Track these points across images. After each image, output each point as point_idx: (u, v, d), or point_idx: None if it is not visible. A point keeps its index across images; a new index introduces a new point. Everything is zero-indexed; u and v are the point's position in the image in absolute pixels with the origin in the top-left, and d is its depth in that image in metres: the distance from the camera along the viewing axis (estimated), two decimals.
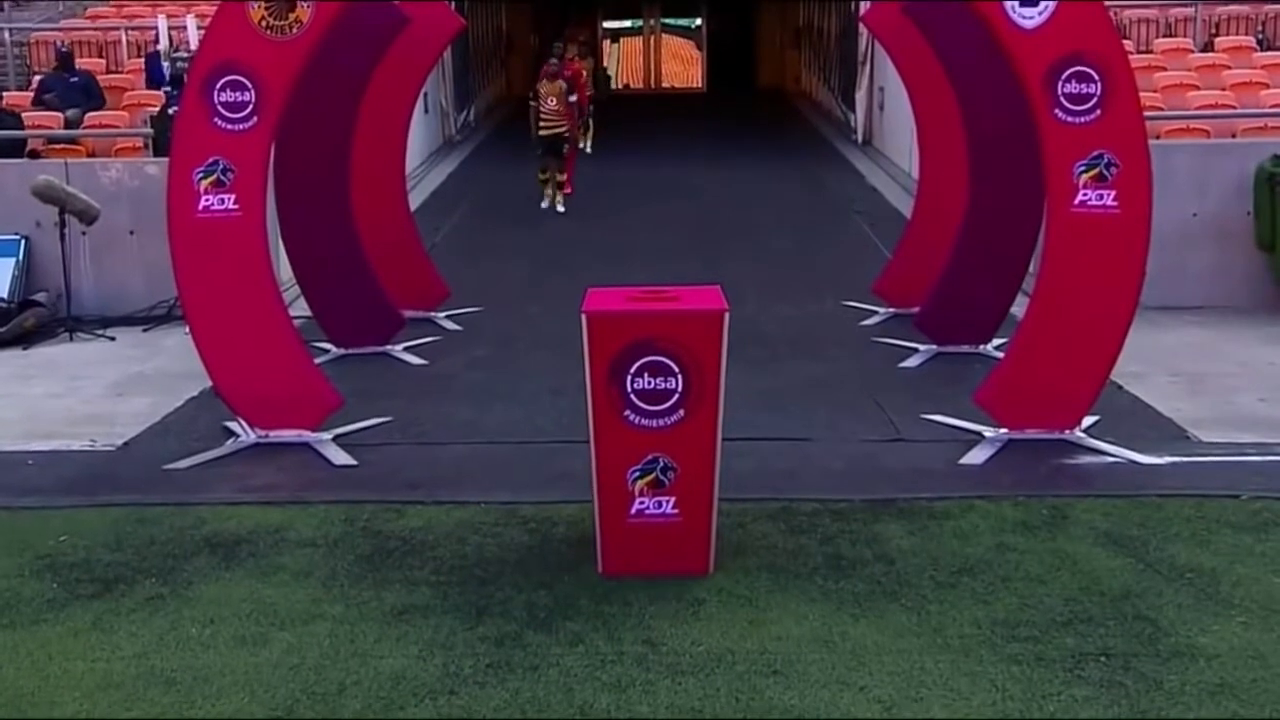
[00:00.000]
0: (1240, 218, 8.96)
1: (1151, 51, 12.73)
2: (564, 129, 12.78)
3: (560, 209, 12.71)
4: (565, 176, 13.01)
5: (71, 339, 8.67)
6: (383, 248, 8.32)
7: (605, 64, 27.61)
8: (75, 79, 11.60)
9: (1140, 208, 5.98)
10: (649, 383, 4.71)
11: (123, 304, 9.03)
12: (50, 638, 4.38)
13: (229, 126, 6.09)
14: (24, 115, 11.01)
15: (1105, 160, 5.92)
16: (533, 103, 12.88)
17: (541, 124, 12.70)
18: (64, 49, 11.95)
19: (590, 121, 16.68)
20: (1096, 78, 5.87)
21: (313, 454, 6.25)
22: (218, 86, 6.05)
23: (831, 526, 5.25)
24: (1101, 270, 6.00)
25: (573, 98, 12.95)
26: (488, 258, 10.98)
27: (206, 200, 6.12)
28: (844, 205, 13.18)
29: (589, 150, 15.92)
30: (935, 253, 8.06)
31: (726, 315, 4.73)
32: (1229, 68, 12.03)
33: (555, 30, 18.45)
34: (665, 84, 29.85)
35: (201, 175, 6.11)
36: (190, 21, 11.26)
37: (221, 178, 6.11)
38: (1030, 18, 5.89)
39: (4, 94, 11.48)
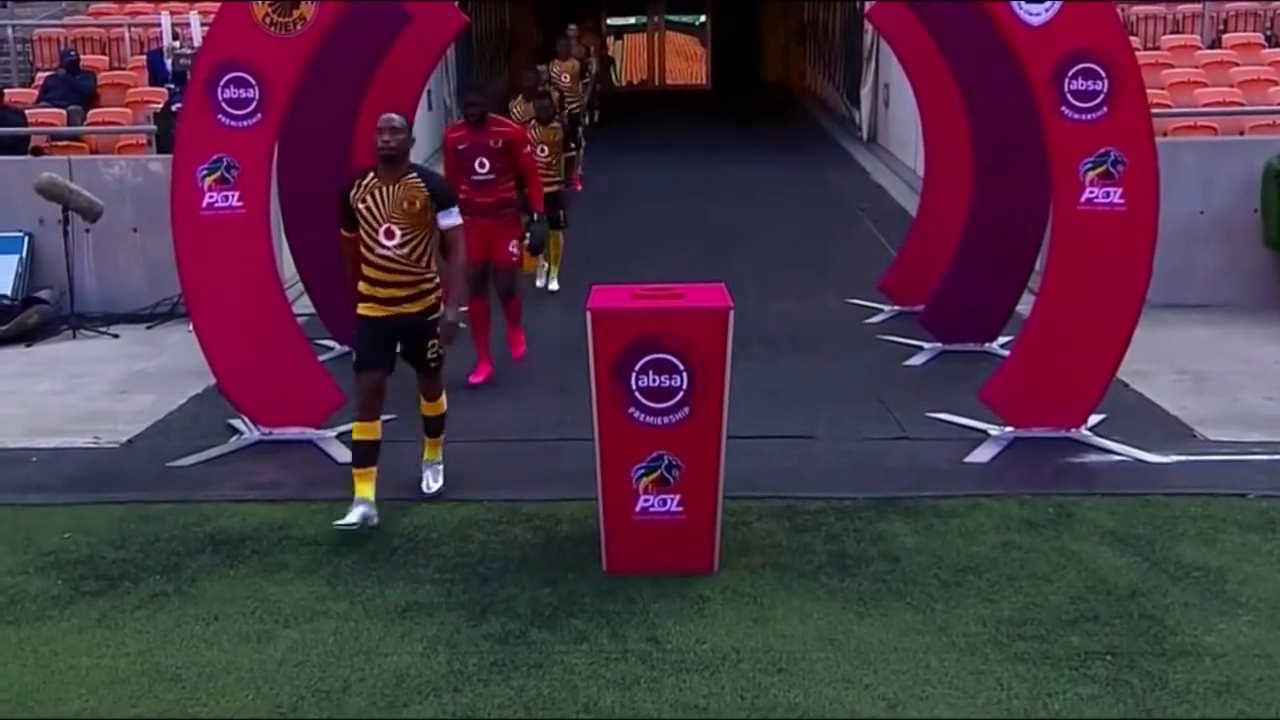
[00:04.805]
0: (1248, 215, 8.93)
1: (1159, 48, 12.69)
2: (427, 304, 5.28)
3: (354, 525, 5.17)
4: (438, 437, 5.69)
5: (75, 336, 8.67)
6: None
7: (610, 54, 27.53)
8: (76, 78, 11.69)
9: (1147, 205, 5.96)
10: (653, 380, 4.70)
11: (126, 301, 9.04)
12: (55, 634, 4.38)
13: (233, 123, 6.09)
14: (27, 112, 11.04)
15: (1112, 158, 5.91)
16: (348, 233, 5.26)
17: (367, 296, 5.25)
18: (71, 55, 12.06)
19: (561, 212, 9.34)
20: (1103, 75, 5.86)
21: (316, 451, 6.24)
22: (221, 83, 6.05)
23: (836, 525, 5.24)
24: (1108, 268, 5.98)
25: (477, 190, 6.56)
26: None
27: (210, 197, 6.12)
28: (849, 203, 13.16)
29: (550, 285, 9.50)
30: (940, 250, 8.04)
31: (731, 313, 4.72)
32: (1237, 64, 11.99)
33: (559, 27, 18.22)
34: (670, 81, 29.83)
35: (205, 172, 6.11)
36: (194, 18, 11.25)
37: (225, 175, 6.11)
38: (1037, 14, 5.87)
39: (5, 91, 11.50)
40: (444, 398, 5.62)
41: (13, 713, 3.87)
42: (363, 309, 5.33)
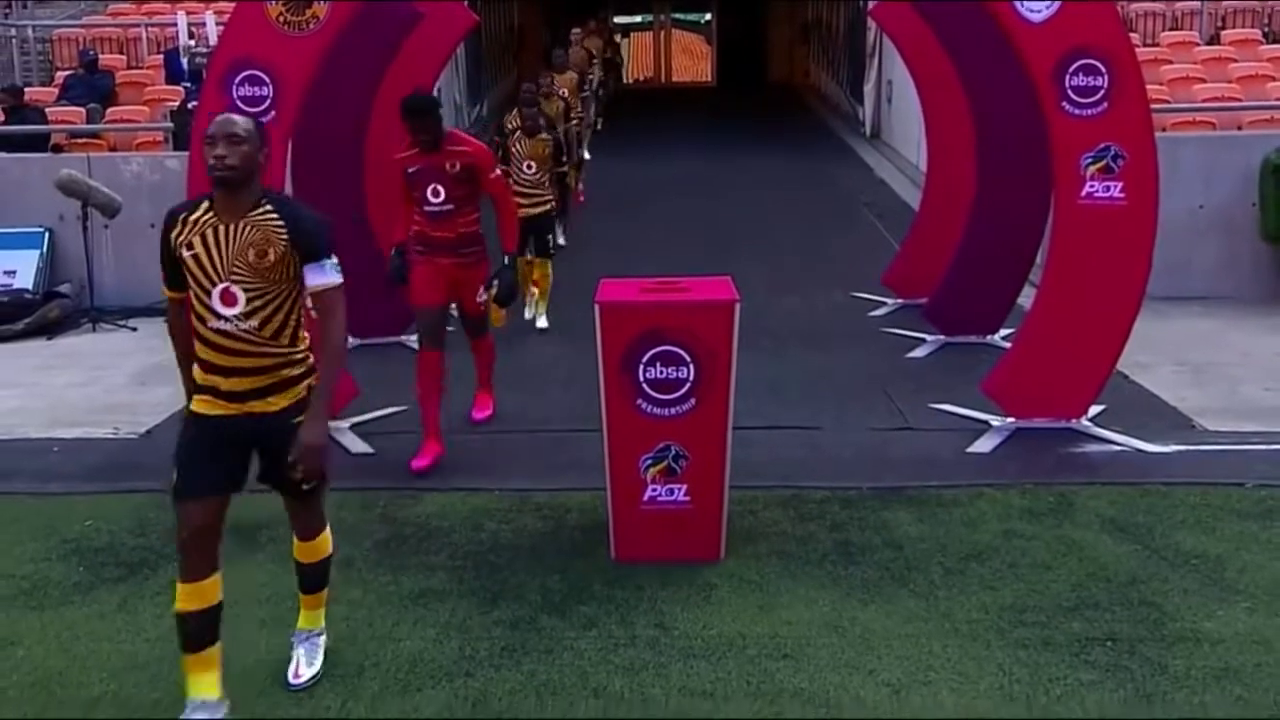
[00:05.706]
0: (1246, 210, 8.99)
1: (1158, 44, 12.75)
2: (295, 397, 3.64)
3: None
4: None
5: (94, 330, 8.79)
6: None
7: (618, 58, 27.57)
8: (95, 77, 11.85)
9: (1147, 200, 6.02)
10: (661, 372, 4.77)
11: (144, 295, 9.08)
12: (77, 619, 4.47)
13: None
14: (47, 111, 11.17)
15: (1112, 153, 5.97)
16: (173, 292, 3.57)
17: (204, 386, 3.61)
18: (90, 55, 12.25)
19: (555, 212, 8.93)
20: (1103, 71, 5.93)
21: (329, 442, 6.30)
22: (236, 81, 6.13)
23: (841, 514, 5.31)
24: (1108, 262, 6.05)
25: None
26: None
27: None
28: (853, 198, 13.22)
29: (540, 322, 8.46)
30: (943, 244, 8.12)
31: (737, 305, 4.78)
32: (1235, 60, 12.05)
33: (567, 25, 18.26)
34: (676, 79, 29.89)
35: None
36: (209, 18, 11.39)
37: None
38: (1038, 11, 5.94)
39: (26, 90, 11.65)
40: (327, 535, 3.88)
41: (36, 695, 3.95)
42: (195, 403, 3.59)
